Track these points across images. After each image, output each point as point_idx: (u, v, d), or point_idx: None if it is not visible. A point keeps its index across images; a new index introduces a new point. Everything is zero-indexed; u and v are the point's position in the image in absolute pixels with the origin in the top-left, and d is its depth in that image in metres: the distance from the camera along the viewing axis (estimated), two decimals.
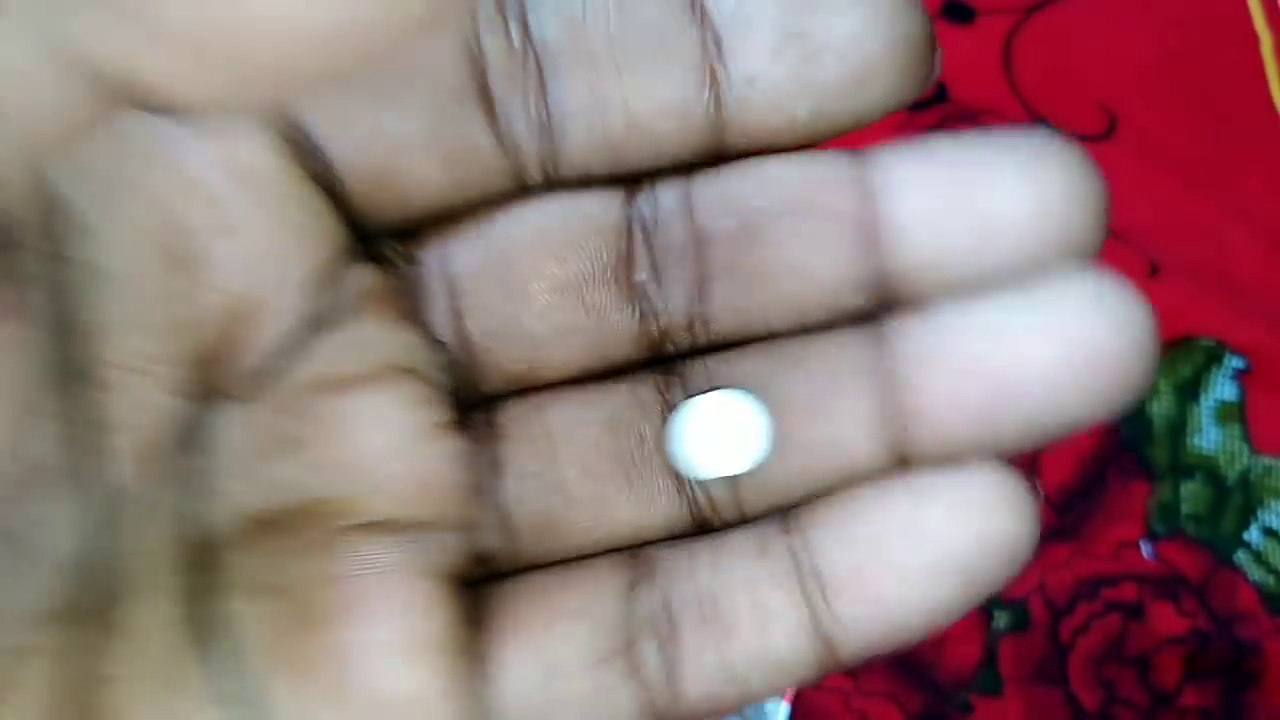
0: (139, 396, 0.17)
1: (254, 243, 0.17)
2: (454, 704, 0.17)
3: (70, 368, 0.17)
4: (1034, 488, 0.18)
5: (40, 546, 0.17)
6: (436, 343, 0.18)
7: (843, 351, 0.18)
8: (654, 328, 0.18)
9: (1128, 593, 0.37)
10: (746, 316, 0.18)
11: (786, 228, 0.18)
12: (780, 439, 0.18)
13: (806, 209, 0.18)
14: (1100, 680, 0.39)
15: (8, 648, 0.16)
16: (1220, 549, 0.36)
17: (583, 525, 0.18)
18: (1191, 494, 0.35)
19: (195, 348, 0.17)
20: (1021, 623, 0.37)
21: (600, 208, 0.18)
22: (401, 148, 0.18)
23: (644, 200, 0.18)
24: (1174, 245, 0.39)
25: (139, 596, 0.17)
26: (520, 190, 0.18)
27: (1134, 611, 0.40)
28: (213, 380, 0.17)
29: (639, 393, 0.18)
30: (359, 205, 0.18)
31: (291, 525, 0.18)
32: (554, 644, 0.18)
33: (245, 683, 0.17)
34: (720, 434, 0.18)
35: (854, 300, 0.18)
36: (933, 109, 0.40)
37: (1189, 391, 0.37)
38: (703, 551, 0.18)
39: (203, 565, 0.17)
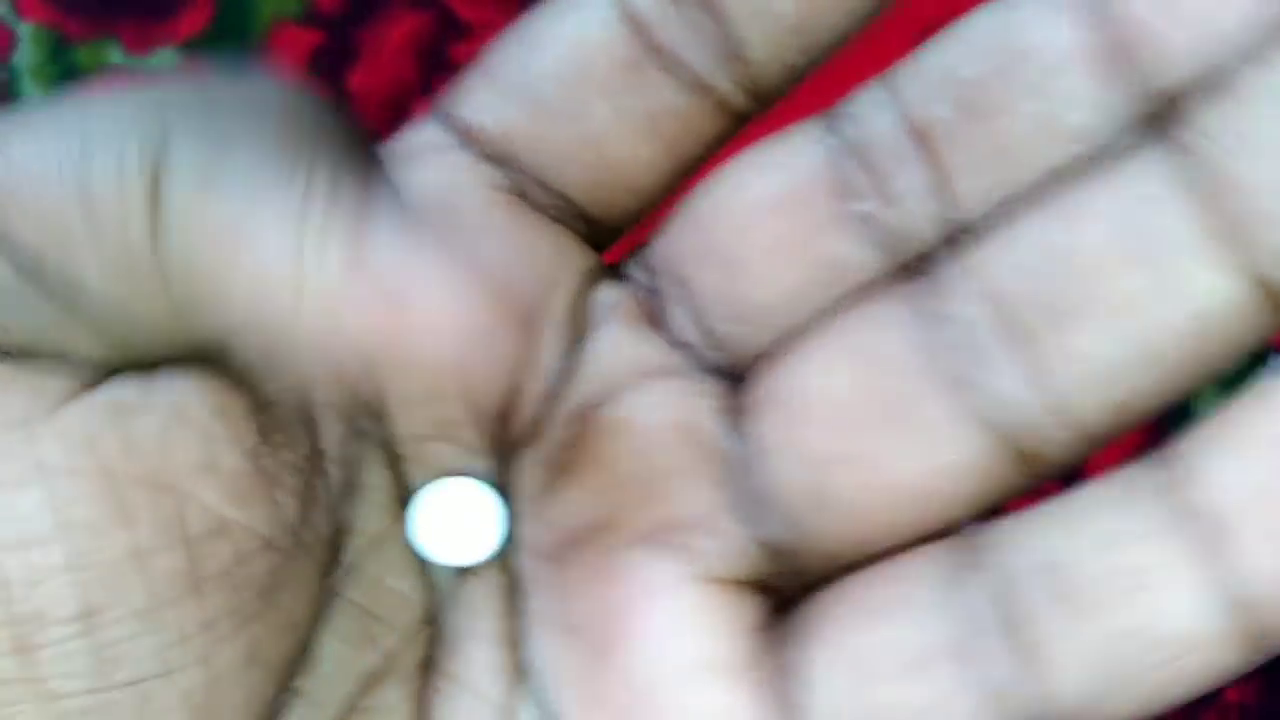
0: (442, 462, 0.18)
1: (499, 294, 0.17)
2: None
3: (373, 442, 0.18)
4: None
5: (390, 615, 0.18)
6: (681, 344, 0.18)
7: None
8: (896, 249, 0.17)
9: None
10: (995, 192, 0.16)
11: (1008, 86, 0.16)
12: None
13: (1023, 57, 0.16)
14: None
15: (366, 707, 0.17)
16: None
17: (853, 488, 0.17)
18: None
19: (487, 407, 0.18)
20: None
21: (798, 149, 0.18)
22: (605, 138, 0.18)
23: (845, 122, 0.17)
24: None
25: (468, 646, 0.18)
26: (733, 126, 0.17)
27: None
28: (505, 433, 0.18)
29: (889, 328, 0.17)
30: (593, 213, 0.18)
31: (577, 554, 0.18)
32: (869, 649, 0.16)
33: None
34: (458, 522, 0.18)
35: (1116, 130, 0.16)
36: None
37: (1233, 388, 0.37)
38: (1040, 515, 0.16)
39: (512, 610, 0.18)
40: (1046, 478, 0.16)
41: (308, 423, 0.17)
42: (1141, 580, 0.15)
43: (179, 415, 0.16)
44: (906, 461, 0.16)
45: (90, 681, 0.15)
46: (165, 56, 0.35)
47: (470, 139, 0.18)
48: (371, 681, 0.17)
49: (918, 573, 0.16)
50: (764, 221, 0.17)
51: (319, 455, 0.17)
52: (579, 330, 0.18)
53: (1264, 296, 0.15)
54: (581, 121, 0.17)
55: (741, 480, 0.17)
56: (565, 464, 0.18)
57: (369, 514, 0.18)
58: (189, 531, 0.16)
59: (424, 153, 0.18)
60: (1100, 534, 0.15)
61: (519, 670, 0.18)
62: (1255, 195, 0.15)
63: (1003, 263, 0.16)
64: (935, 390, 0.16)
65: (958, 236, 0.16)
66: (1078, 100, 0.16)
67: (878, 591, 0.16)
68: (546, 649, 0.18)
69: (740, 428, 0.18)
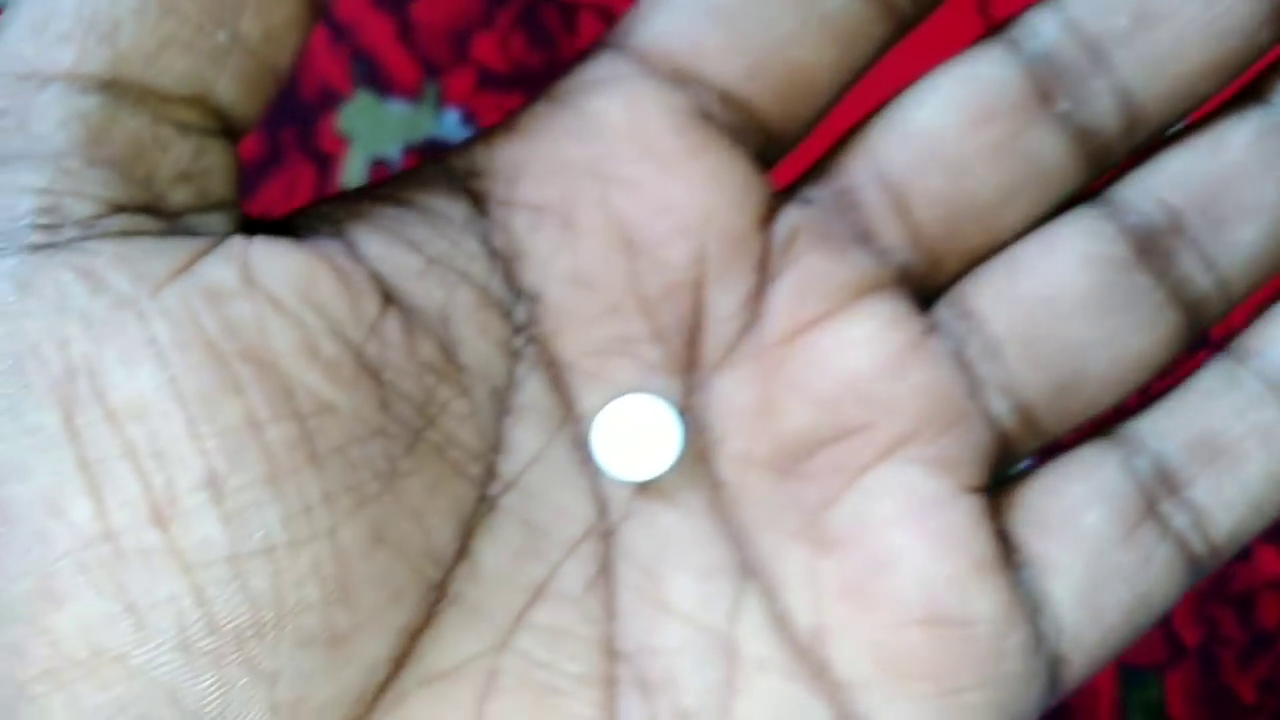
0: (620, 379, 0.18)
1: (694, 217, 0.18)
2: (1021, 619, 0.18)
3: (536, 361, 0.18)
4: None
5: (555, 529, 0.18)
6: (884, 252, 0.19)
7: None
8: (1091, 146, 0.19)
9: None
10: (1173, 93, 0.19)
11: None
12: None
13: None
14: (1202, 617, 0.39)
15: (536, 623, 0.17)
16: None
17: (1100, 371, 0.19)
18: None
19: (665, 325, 0.18)
20: None
21: (992, 63, 0.19)
22: (791, 43, 0.18)
23: (1028, 39, 0.19)
24: None
25: (662, 558, 0.18)
26: (897, 33, 0.19)
27: (1239, 552, 0.39)
28: (692, 353, 0.18)
29: (1092, 224, 0.19)
30: (775, 125, 0.19)
31: (810, 464, 0.18)
32: (1087, 531, 0.18)
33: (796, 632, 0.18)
34: (637, 438, 0.18)
35: (1265, 33, 0.18)
36: None
37: None
38: (1173, 406, 0.19)
39: (716, 520, 0.18)
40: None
41: (439, 330, 0.17)
42: (1267, 433, 0.19)
43: (273, 302, 0.16)
44: (1129, 343, 0.19)
45: (225, 549, 0.15)
46: None
47: (653, 64, 0.18)
48: (539, 594, 0.17)
49: (1097, 462, 0.19)
50: (981, 127, 0.18)
51: (454, 365, 0.17)
52: (767, 252, 0.18)
53: None
54: (769, 28, 0.18)
55: (978, 384, 0.18)
56: (780, 383, 0.18)
57: (529, 431, 0.18)
58: (299, 408, 0.16)
59: (604, 85, 0.18)
60: (1228, 407, 0.19)
61: (738, 576, 0.18)
62: None
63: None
64: (1147, 278, 0.19)
65: (1137, 130, 0.19)
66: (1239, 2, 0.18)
67: (1078, 484, 0.19)
68: (775, 554, 0.18)
69: (963, 332, 0.19)
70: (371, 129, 0.34)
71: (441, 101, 0.35)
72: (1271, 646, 0.38)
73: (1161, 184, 0.19)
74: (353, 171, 0.34)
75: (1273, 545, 0.37)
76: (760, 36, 0.18)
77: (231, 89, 0.16)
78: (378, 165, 0.34)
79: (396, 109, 0.35)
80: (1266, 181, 0.19)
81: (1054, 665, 0.18)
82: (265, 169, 0.34)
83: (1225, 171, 0.19)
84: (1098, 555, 0.18)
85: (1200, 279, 0.19)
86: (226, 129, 0.17)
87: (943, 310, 0.19)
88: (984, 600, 0.18)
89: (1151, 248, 0.19)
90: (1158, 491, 0.18)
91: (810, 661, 0.18)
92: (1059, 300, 0.19)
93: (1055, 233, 0.19)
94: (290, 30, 0.16)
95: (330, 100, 0.34)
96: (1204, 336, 0.20)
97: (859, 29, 0.18)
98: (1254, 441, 0.19)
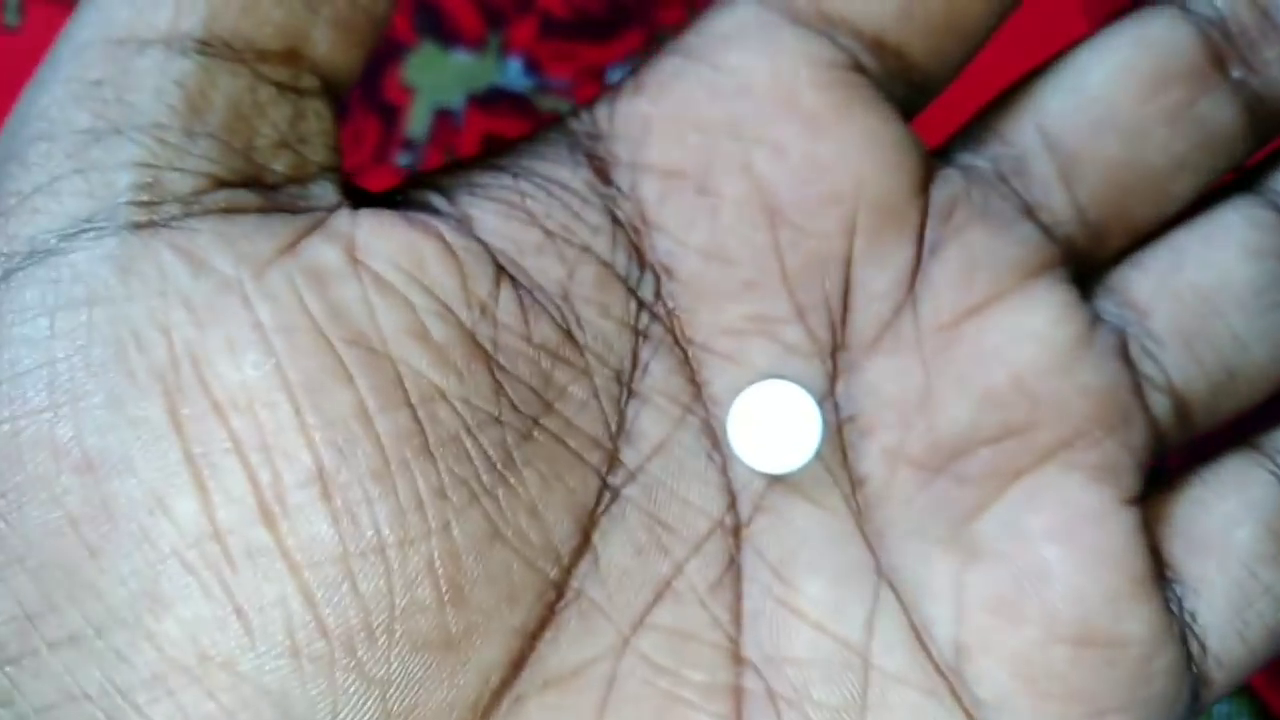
0: (750, 362, 0.17)
1: (845, 183, 0.17)
2: (1171, 640, 0.17)
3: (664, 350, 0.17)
4: None
5: (681, 524, 0.17)
6: (1053, 227, 0.18)
7: None
8: (1261, 113, 0.18)
9: None
10: None
11: None
12: None
13: None
14: None
15: (660, 624, 0.17)
16: None
17: (1258, 367, 0.18)
18: None
19: (809, 303, 0.17)
20: None
21: (1164, 26, 0.18)
22: None
23: (1197, 4, 0.18)
24: None
25: (794, 557, 0.17)
26: None
27: None
28: (839, 336, 0.17)
29: (1255, 213, 0.18)
30: (927, 72, 0.17)
31: (966, 466, 0.17)
32: (1238, 549, 0.17)
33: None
34: (774, 427, 0.17)
35: None
36: None
37: None
38: None
39: (854, 521, 0.17)
40: None
41: (557, 309, 0.16)
42: None
43: (378, 283, 0.15)
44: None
45: (334, 548, 0.14)
46: None
47: (796, 10, 0.17)
48: (663, 593, 0.16)
49: (1246, 474, 0.18)
50: (1158, 92, 0.17)
51: (573, 346, 0.16)
52: (924, 223, 0.17)
53: None
54: None
55: (1144, 383, 0.17)
56: (941, 374, 0.17)
57: (654, 417, 0.17)
58: (409, 396, 0.15)
59: (742, 36, 0.17)
60: None
61: (875, 582, 0.17)
62: None
63: None
64: None
65: None
66: None
67: (1224, 498, 0.18)
68: (917, 561, 0.17)
69: (1125, 324, 0.18)
70: (435, 79, 0.33)
71: (505, 51, 0.34)
72: None
73: None
74: (418, 122, 0.33)
75: None
76: None
77: (328, 39, 0.15)
78: (442, 115, 0.33)
79: (460, 59, 0.34)
80: None
81: (1197, 686, 0.17)
82: None
83: None
84: (1247, 574, 0.17)
85: None
86: (325, 88, 0.16)
87: (1103, 300, 0.18)
88: (1137, 620, 0.17)
89: None
90: None
91: (949, 678, 0.17)
92: (1222, 293, 0.18)
93: (1218, 220, 0.18)
94: None
95: (394, 51, 0.33)
96: None
97: None
98: None
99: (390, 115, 0.33)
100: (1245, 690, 0.30)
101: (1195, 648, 0.17)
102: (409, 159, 0.33)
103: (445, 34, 0.34)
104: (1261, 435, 0.18)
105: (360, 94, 0.33)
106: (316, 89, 0.16)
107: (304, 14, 0.15)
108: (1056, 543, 0.17)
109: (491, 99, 0.34)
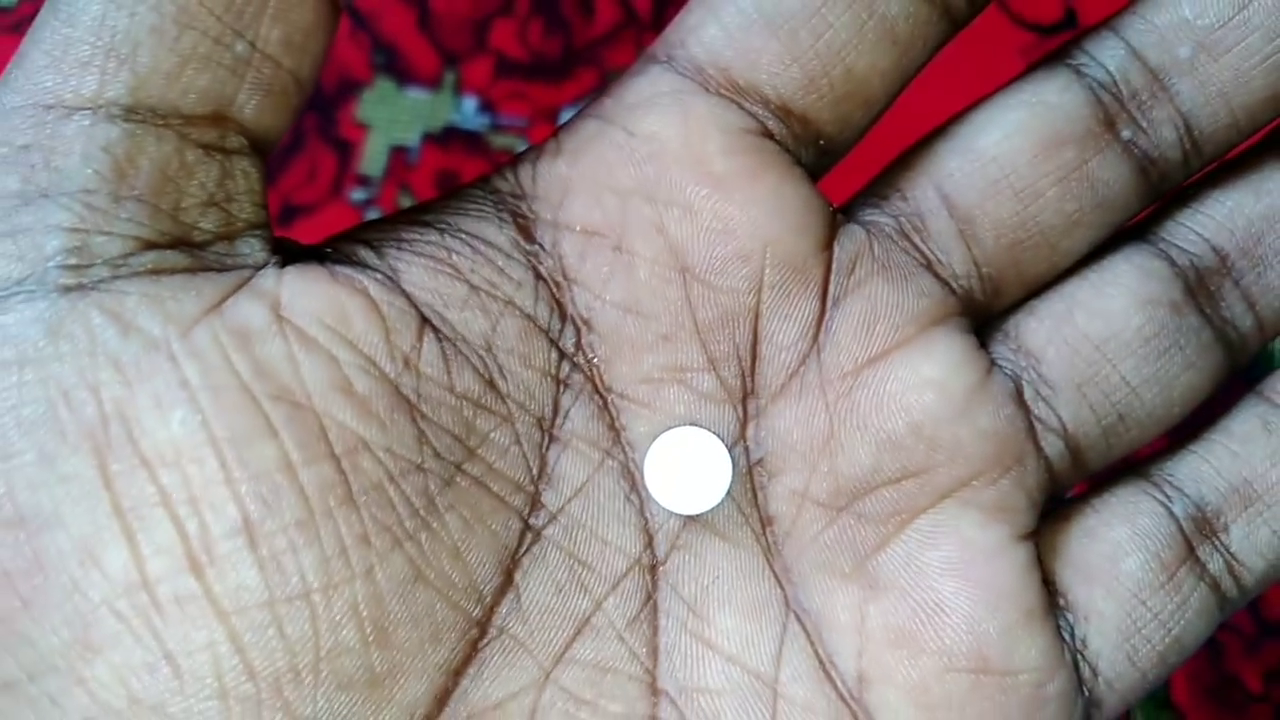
0: (665, 408, 0.18)
1: (752, 243, 0.18)
2: (1062, 666, 0.18)
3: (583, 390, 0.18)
4: None
5: (600, 563, 0.18)
6: (950, 280, 0.18)
7: None
8: (1152, 173, 0.19)
9: None
10: (1233, 121, 0.19)
11: (1238, 29, 0.18)
12: None
13: (1245, 4, 0.18)
14: None
15: (580, 659, 0.17)
16: None
17: (1147, 410, 0.19)
18: None
19: (721, 353, 0.18)
20: None
21: (1057, 89, 0.18)
22: (848, 50, 0.18)
23: (1091, 67, 0.18)
24: None
25: (708, 593, 0.18)
26: (950, 32, 0.18)
27: None
28: (749, 383, 0.18)
29: (1146, 263, 0.19)
30: (830, 136, 0.18)
31: (867, 505, 0.18)
32: (1127, 577, 0.18)
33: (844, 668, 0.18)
34: (688, 469, 0.18)
35: None
36: (1062, 34, 0.39)
37: None
38: (1209, 449, 0.19)
39: (765, 556, 0.18)
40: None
41: (480, 360, 0.17)
42: None
43: (303, 339, 0.16)
44: (1177, 382, 0.19)
45: (261, 595, 0.15)
46: None
47: (706, 79, 0.18)
48: (583, 629, 0.17)
49: (1136, 504, 0.19)
50: (1051, 153, 0.18)
51: (496, 395, 0.17)
52: (828, 278, 0.18)
53: None
54: (826, 35, 0.17)
55: (1036, 426, 0.18)
56: (842, 419, 0.18)
57: (575, 461, 0.17)
58: (333, 448, 0.16)
59: (655, 103, 0.18)
60: (1267, 450, 0.19)
61: (784, 615, 0.18)
62: None
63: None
64: (1196, 319, 0.19)
65: (1195, 159, 0.19)
66: None
67: (1113, 527, 0.19)
68: (822, 595, 0.18)
69: (1019, 370, 0.19)
70: (391, 116, 0.34)
71: (460, 89, 0.34)
72: (1278, 635, 0.38)
73: (1208, 225, 0.19)
74: (373, 158, 0.34)
75: None
76: (818, 44, 0.17)
77: (253, 102, 0.16)
78: (398, 152, 0.34)
79: (415, 97, 0.34)
80: None
81: (1089, 709, 0.18)
82: (286, 156, 0.34)
83: (1268, 213, 0.19)
84: (1136, 601, 0.18)
85: (1242, 320, 0.19)
86: (252, 147, 0.16)
87: (1000, 345, 0.19)
88: (1029, 650, 0.18)
89: (1201, 288, 0.19)
90: (1195, 536, 0.18)
91: (853, 706, 0.18)
92: (1112, 341, 0.18)
93: (1110, 269, 0.19)
94: (311, 35, 0.16)
95: (350, 88, 0.34)
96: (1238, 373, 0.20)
97: (916, 31, 0.18)
98: None
99: (346, 151, 0.34)
100: (1171, 708, 0.31)
101: (1087, 672, 0.18)
102: (364, 195, 0.34)
103: (401, 72, 0.34)
104: (1151, 464, 0.19)
105: (316, 129, 0.34)
106: (244, 148, 0.16)
107: (229, 80, 0.16)
108: (952, 577, 0.18)
109: (446, 137, 0.34)
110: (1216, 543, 0.19)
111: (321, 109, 0.34)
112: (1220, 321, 0.19)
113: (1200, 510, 0.19)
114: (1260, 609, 0.38)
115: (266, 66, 0.16)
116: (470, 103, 0.34)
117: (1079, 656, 0.18)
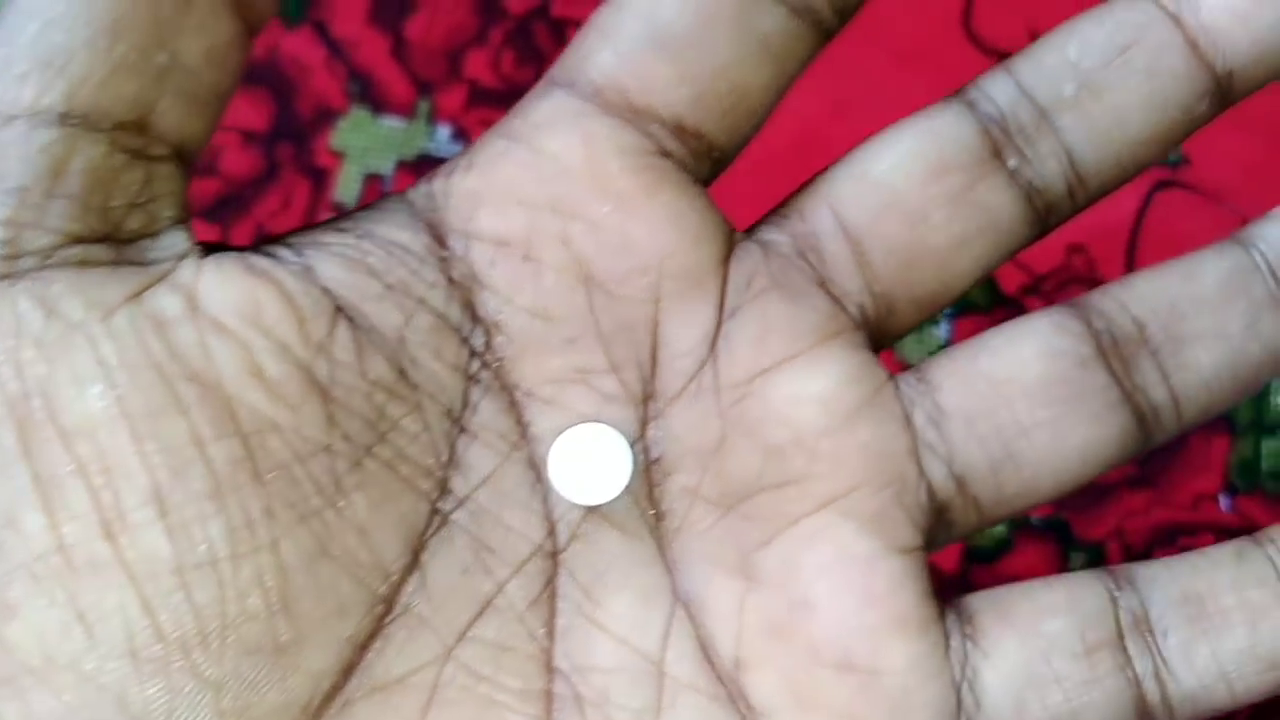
0: (570, 406, 0.19)
1: (651, 256, 0.19)
2: (936, 680, 0.19)
3: (493, 391, 0.19)
4: None
5: (503, 548, 0.19)
6: (842, 297, 0.20)
7: None
8: (1038, 202, 0.20)
9: (1205, 542, 0.37)
10: (1115, 158, 0.20)
11: (1120, 70, 0.19)
12: None
13: (1127, 47, 0.19)
14: None
15: (480, 637, 0.18)
16: None
17: (1037, 455, 0.19)
18: (1272, 451, 0.35)
19: (622, 358, 0.19)
20: (1097, 565, 0.36)
21: (951, 121, 0.20)
22: (732, 66, 0.19)
23: (983, 101, 0.20)
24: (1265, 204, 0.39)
25: (603, 580, 0.19)
26: (821, 43, 0.19)
27: None
28: (648, 387, 0.19)
29: (1063, 321, 0.20)
30: (721, 147, 0.19)
31: (753, 506, 0.19)
32: (1044, 634, 0.19)
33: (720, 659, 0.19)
34: (589, 464, 0.19)
35: (1201, 106, 0.19)
36: None
37: None
38: (1176, 561, 0.19)
39: (658, 548, 0.19)
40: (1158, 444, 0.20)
41: (392, 351, 0.18)
42: (1254, 613, 0.19)
43: (216, 327, 0.17)
44: (1073, 433, 0.19)
45: (170, 561, 0.16)
46: None
47: (604, 101, 0.19)
48: (485, 609, 0.18)
49: (1083, 582, 0.19)
50: (938, 178, 0.19)
51: (407, 384, 0.18)
52: (725, 291, 0.19)
53: None
54: (711, 54, 0.19)
55: (920, 448, 0.19)
56: (733, 425, 0.19)
57: (483, 452, 0.18)
58: (242, 426, 0.17)
59: (558, 124, 0.19)
60: (1227, 579, 0.19)
61: (671, 602, 0.19)
62: None
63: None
64: (1103, 377, 0.19)
65: (1081, 191, 0.20)
66: (1179, 78, 0.19)
67: (1051, 590, 0.19)
68: (706, 585, 0.19)
69: (914, 396, 0.19)
70: (365, 145, 0.35)
71: (434, 118, 0.36)
72: None
73: (1132, 297, 0.20)
74: (347, 186, 0.35)
75: None
76: (704, 63, 0.19)
77: (174, 110, 0.17)
78: (372, 180, 0.35)
79: (390, 125, 0.36)
80: (1231, 314, 0.20)
81: None
82: (262, 184, 0.35)
83: (1195, 296, 0.20)
84: (1043, 658, 0.19)
85: (1155, 390, 0.19)
86: (175, 153, 0.17)
87: (905, 376, 0.20)
88: (896, 655, 0.18)
89: (1113, 350, 0.19)
90: (1130, 630, 0.19)
91: (730, 687, 0.19)
92: (1012, 382, 0.19)
93: (1028, 323, 0.20)
94: (229, 50, 0.17)
95: (325, 117, 0.35)
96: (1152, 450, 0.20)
97: (790, 45, 0.19)
98: (1241, 616, 0.19)
99: (320, 179, 0.35)
100: None
101: (969, 701, 0.19)
102: None
103: (376, 100, 0.36)
104: (1117, 567, 0.20)
105: (291, 157, 0.35)
106: (166, 155, 0.17)
107: (153, 87, 0.17)
108: (825, 579, 0.19)
109: (420, 165, 0.35)
110: (1151, 643, 0.19)
111: (296, 137, 0.35)
112: (1130, 386, 0.19)
113: (1145, 609, 0.19)
114: None
115: (187, 78, 0.17)
116: (444, 131, 0.36)
117: (966, 684, 0.19)
